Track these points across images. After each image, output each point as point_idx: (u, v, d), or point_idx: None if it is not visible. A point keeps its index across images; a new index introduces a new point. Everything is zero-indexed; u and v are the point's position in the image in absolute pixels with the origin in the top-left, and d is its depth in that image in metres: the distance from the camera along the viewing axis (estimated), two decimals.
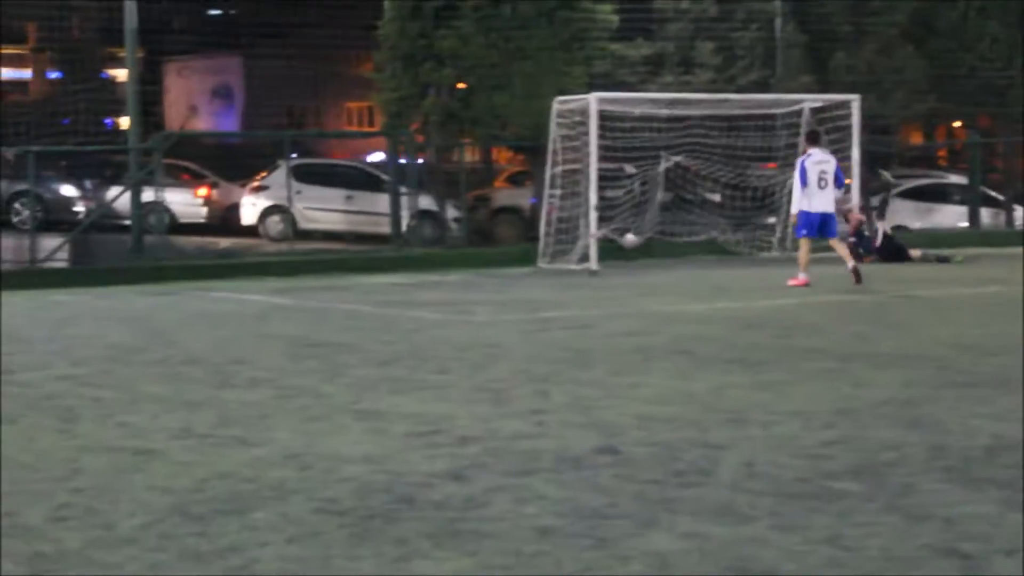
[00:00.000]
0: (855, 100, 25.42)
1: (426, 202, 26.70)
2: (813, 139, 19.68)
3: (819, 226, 18.60)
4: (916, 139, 42.42)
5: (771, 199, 25.61)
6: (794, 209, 18.97)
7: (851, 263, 18.51)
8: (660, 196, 25.33)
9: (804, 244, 18.74)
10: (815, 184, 18.42)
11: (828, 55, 28.94)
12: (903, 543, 5.63)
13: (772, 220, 26.00)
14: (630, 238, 24.41)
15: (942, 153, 43.12)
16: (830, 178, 18.57)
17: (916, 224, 30.31)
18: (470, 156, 29.49)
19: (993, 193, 32.33)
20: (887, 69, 28.98)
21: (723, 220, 25.63)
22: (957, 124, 39.82)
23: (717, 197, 26.61)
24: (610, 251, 23.61)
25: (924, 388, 9.55)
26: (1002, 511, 6.09)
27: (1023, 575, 5.24)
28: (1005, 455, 7.25)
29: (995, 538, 5.65)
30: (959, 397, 9.13)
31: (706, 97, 25.06)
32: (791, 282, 18.30)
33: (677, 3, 27.87)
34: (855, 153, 25.25)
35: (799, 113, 25.78)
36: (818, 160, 18.64)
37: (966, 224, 30.73)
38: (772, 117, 25.87)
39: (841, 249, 19.02)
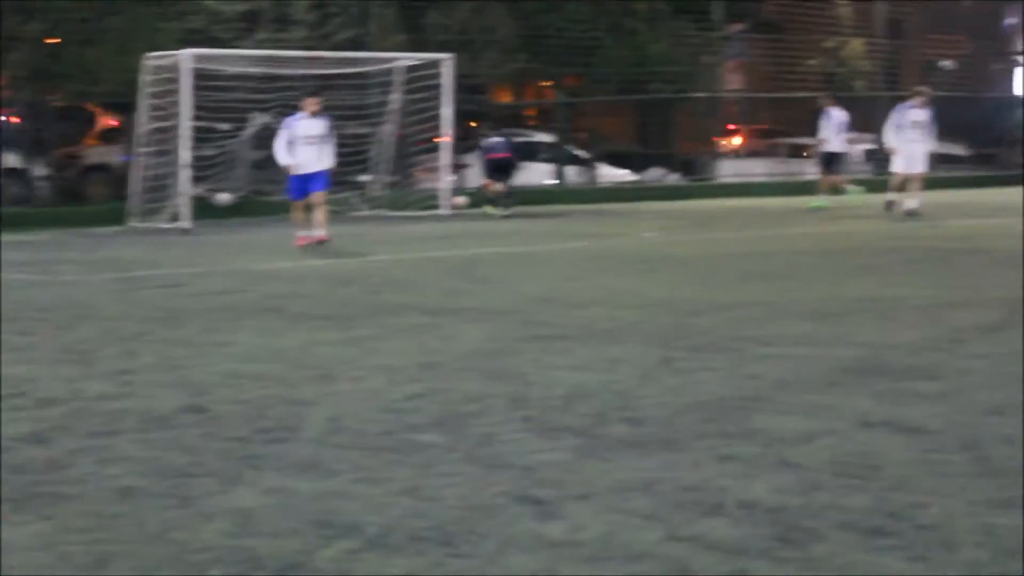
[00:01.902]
0: (447, 59, 25.85)
1: (11, 160, 25.63)
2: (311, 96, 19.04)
3: (302, 187, 18.39)
4: (506, 98, 43.39)
5: (363, 157, 25.78)
6: (288, 160, 18.43)
7: (318, 233, 18.16)
8: (252, 154, 25.13)
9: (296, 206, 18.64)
10: (300, 144, 18.12)
11: (421, 14, 29.26)
12: (481, 492, 5.78)
13: (364, 178, 26.21)
14: (223, 196, 24.15)
15: (531, 112, 44.26)
16: (322, 139, 18.23)
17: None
18: (59, 112, 28.45)
19: (579, 151, 33.47)
20: (479, 29, 29.51)
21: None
22: (545, 83, 41.00)
23: None
24: (203, 209, 23.29)
25: (509, 341, 9.83)
26: (576, 457, 6.35)
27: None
28: (581, 403, 7.55)
29: (568, 484, 5.88)
30: (542, 349, 9.43)
31: (299, 55, 24.95)
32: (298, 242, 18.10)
33: None
34: (447, 111, 25.71)
35: (392, 71, 26.05)
36: (305, 123, 18.30)
37: (554, 181, 31.71)
38: (365, 75, 26.05)
39: (320, 213, 18.36)
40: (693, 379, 8.28)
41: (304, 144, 18.07)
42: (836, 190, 27.24)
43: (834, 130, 27.17)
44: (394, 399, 7.76)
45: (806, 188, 32.62)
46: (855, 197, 27.09)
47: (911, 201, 23.26)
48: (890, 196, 23.96)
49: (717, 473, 6.01)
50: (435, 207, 25.64)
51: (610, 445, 6.58)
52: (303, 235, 18.11)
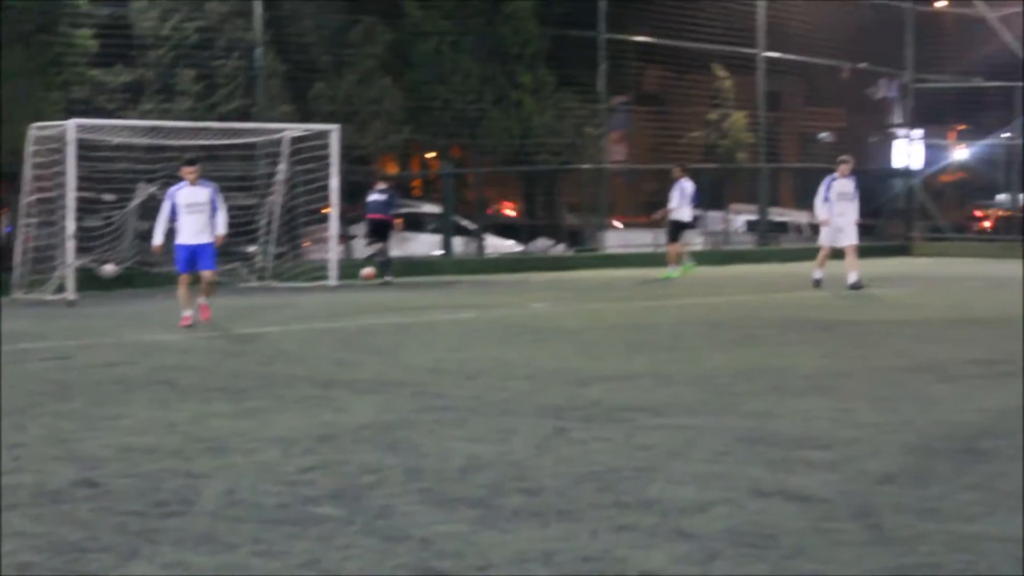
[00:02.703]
0: (334, 130, 25.91)
1: None
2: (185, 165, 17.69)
3: (189, 259, 17.11)
4: (392, 169, 43.52)
5: (250, 228, 25.67)
6: (157, 240, 17.44)
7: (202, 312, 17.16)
8: (138, 225, 24.91)
9: (182, 280, 17.19)
10: (183, 214, 17.02)
11: (308, 85, 29.29)
12: (380, 564, 5.80)
13: (253, 249, 26.11)
14: (108, 268, 23.90)
15: (416, 183, 44.42)
16: (207, 208, 17.11)
17: (394, 252, 31.13)
18: None
19: (465, 222, 33.63)
20: (365, 100, 29.60)
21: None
22: (430, 155, 41.20)
23: None
24: (88, 281, 23.04)
25: (402, 412, 9.84)
26: (475, 529, 6.38)
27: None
28: (477, 474, 7.59)
29: (468, 555, 5.92)
30: (436, 420, 9.46)
31: (186, 125, 24.85)
32: (181, 323, 16.82)
33: (157, 30, 27.44)
34: (334, 182, 25.74)
35: (280, 142, 26.05)
36: (186, 191, 17.13)
37: (441, 252, 31.80)
38: (253, 146, 26.01)
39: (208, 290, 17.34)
40: (587, 449, 8.35)
41: (188, 213, 17.03)
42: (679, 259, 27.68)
43: (684, 200, 27.52)
44: (290, 471, 7.74)
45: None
46: (687, 269, 27.49)
47: (852, 275, 22.65)
48: (816, 273, 23.42)
49: (615, 543, 6.07)
50: (323, 278, 25.59)
51: (507, 516, 6.62)
52: (188, 315, 16.83)
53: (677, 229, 27.90)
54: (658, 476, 7.50)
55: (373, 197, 26.68)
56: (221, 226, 17.29)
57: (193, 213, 17.08)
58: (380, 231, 26.62)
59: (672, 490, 7.12)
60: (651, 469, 7.70)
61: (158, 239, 17.39)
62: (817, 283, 23.17)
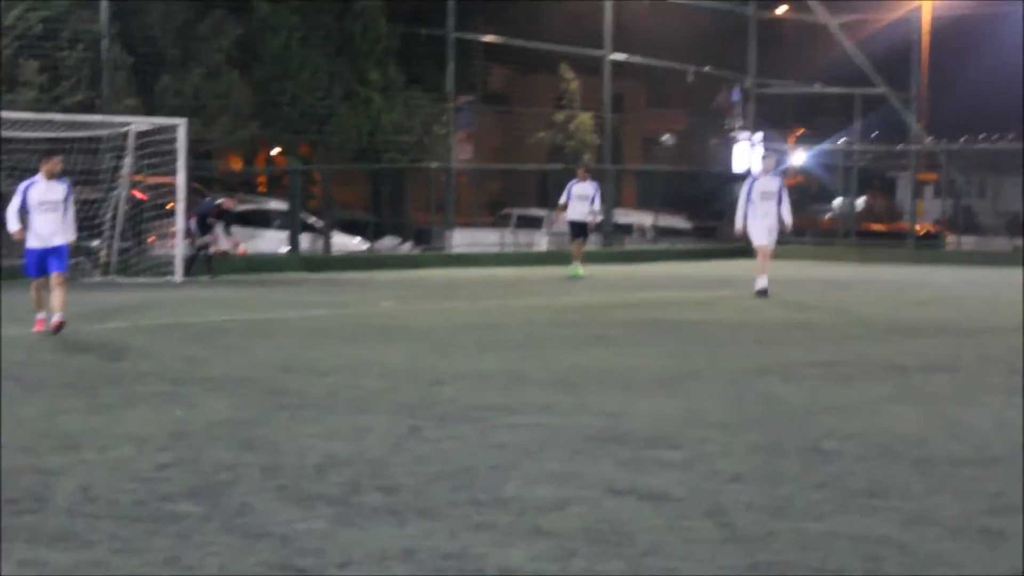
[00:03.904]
0: (181, 124, 25.63)
1: None
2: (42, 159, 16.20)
3: (40, 262, 15.63)
4: (237, 164, 43.16)
5: (95, 223, 25.26)
6: (14, 226, 15.83)
7: (56, 317, 15.24)
8: None
9: (35, 284, 15.82)
10: (36, 212, 15.58)
11: (155, 78, 28.90)
12: (240, 561, 5.80)
13: (95, 244, 25.69)
14: None
15: (262, 179, 44.10)
16: (61, 206, 15.68)
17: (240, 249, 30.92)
18: None
19: (312, 219, 33.48)
20: (213, 94, 29.30)
21: None
22: (276, 151, 40.91)
23: None
24: None
25: (256, 409, 9.81)
26: (333, 526, 6.41)
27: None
28: (334, 472, 7.60)
29: (328, 552, 5.94)
30: (290, 417, 9.45)
31: (29, 116, 24.35)
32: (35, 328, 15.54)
33: (1, 20, 26.87)
34: (180, 177, 25.46)
35: (125, 135, 25.68)
36: (41, 187, 15.68)
37: (287, 249, 31.62)
38: (98, 139, 25.60)
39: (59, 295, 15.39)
40: (442, 447, 8.41)
41: (41, 211, 15.50)
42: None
43: (578, 199, 27.79)
44: (145, 468, 7.68)
45: (537, 258, 33.39)
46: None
47: (761, 279, 21.65)
48: (760, 282, 21.67)
49: (473, 541, 6.14)
50: (168, 274, 25.30)
51: (366, 514, 6.66)
52: (41, 317, 15.50)
53: (578, 229, 28.19)
54: (514, 474, 7.59)
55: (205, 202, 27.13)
56: (71, 230, 15.94)
57: (47, 212, 15.57)
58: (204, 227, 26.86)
59: (528, 488, 7.21)
60: (507, 467, 7.78)
61: (13, 225, 15.68)
62: (762, 292, 21.49)
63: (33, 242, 15.64)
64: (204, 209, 27.31)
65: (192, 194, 27.87)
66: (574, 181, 28.23)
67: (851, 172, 41.29)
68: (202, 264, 26.64)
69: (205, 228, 26.98)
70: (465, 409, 9.85)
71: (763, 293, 21.37)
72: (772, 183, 22.02)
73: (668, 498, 7.01)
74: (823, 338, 15.54)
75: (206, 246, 26.85)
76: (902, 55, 40.37)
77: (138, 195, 26.77)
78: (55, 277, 15.42)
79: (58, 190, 15.77)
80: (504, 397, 10.52)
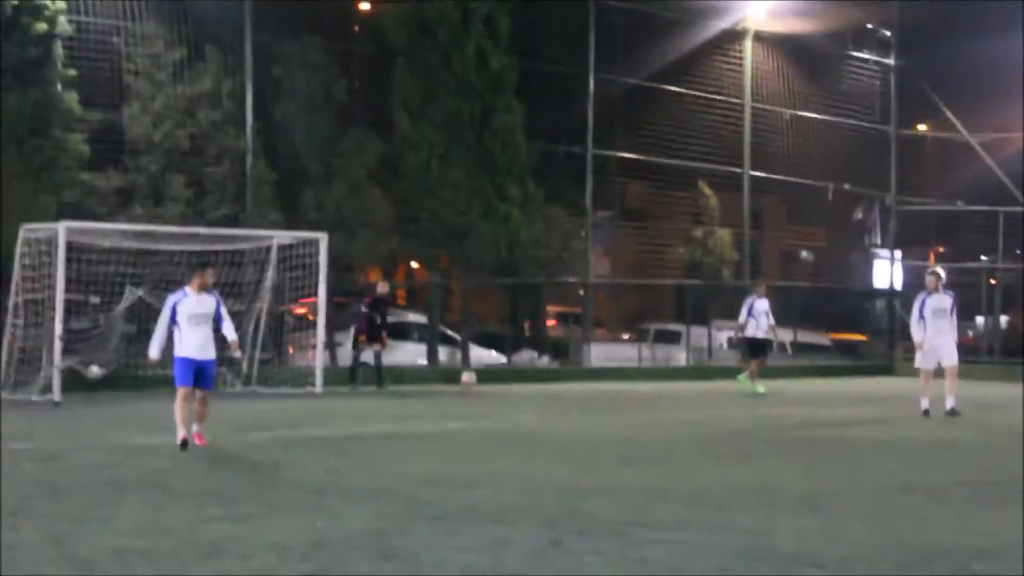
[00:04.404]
0: (323, 238, 26.02)
1: None
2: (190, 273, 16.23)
3: (193, 373, 15.21)
4: (376, 277, 43.64)
5: (238, 333, 25.57)
6: (154, 353, 15.70)
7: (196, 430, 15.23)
8: (125, 328, 24.91)
9: (183, 394, 15.17)
10: (187, 326, 15.29)
11: (298, 193, 29.43)
12: None
13: (238, 355, 26.02)
14: (95, 369, 23.83)
15: (402, 292, 44.53)
16: (211, 319, 15.53)
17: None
18: None
19: (450, 332, 33.66)
20: (355, 209, 29.72)
21: None
22: (416, 264, 41.32)
23: None
24: (74, 382, 22.98)
25: (396, 521, 9.81)
26: None
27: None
28: None
29: None
30: (430, 529, 9.43)
31: (175, 230, 24.91)
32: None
33: (149, 135, 27.63)
34: (321, 289, 25.80)
35: (268, 249, 26.13)
36: (192, 300, 15.44)
37: (425, 361, 31.77)
38: (241, 252, 26.07)
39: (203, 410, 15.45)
40: (582, 562, 8.33)
41: (191, 325, 15.21)
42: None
43: (754, 316, 27.59)
44: None
45: (675, 373, 33.21)
46: (743, 383, 27.46)
47: (949, 399, 20.86)
48: (924, 403, 20.91)
49: None
50: (309, 384, 25.55)
51: None
52: (184, 435, 14.84)
53: (756, 346, 27.90)
54: None
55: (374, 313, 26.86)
56: (231, 333, 15.90)
57: (198, 325, 15.29)
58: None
59: None
60: None
61: (155, 352, 15.53)
62: (927, 413, 20.73)
63: (187, 352, 15.18)
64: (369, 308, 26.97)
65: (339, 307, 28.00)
66: (753, 297, 27.95)
67: (994, 290, 40.56)
68: (370, 371, 26.78)
69: (373, 329, 26.88)
70: (606, 523, 9.77)
71: (953, 412, 20.64)
72: (944, 300, 21.25)
73: None
74: (970, 457, 15.19)
75: (378, 354, 26.90)
76: None
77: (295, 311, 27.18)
78: (202, 394, 15.25)
79: (208, 303, 15.47)
80: (645, 512, 10.42)
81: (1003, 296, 40.82)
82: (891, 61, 41.01)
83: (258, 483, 12.04)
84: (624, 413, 21.75)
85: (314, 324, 26.53)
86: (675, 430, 18.39)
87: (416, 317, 34.74)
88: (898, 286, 41.80)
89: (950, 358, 21.01)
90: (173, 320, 15.25)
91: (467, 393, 25.51)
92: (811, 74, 40.02)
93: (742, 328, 27.93)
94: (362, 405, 22.52)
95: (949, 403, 20.82)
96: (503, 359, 34.23)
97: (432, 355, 31.89)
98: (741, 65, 37.97)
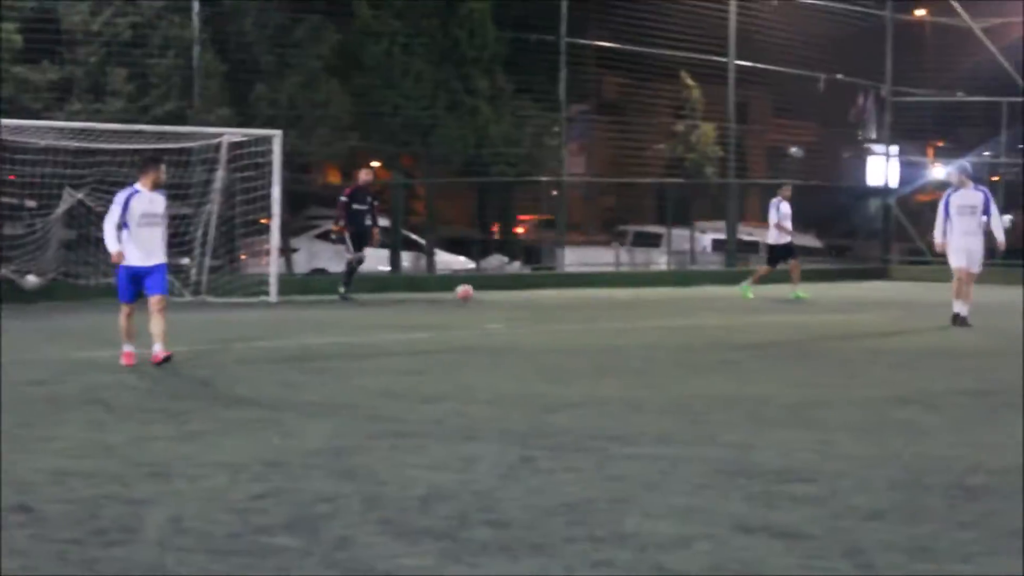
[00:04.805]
0: (276, 135, 25.86)
1: None
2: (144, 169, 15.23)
3: (134, 283, 14.76)
4: (336, 178, 43.44)
5: (185, 239, 25.54)
6: (115, 246, 14.65)
7: (158, 348, 14.53)
8: (64, 234, 24.79)
9: (125, 310, 14.78)
10: (135, 227, 14.66)
11: (248, 87, 29.19)
12: None
13: (185, 261, 26.00)
14: (31, 279, 23.76)
15: None
16: (161, 220, 15.00)
17: (337, 267, 31.15)
18: None
19: (414, 236, 33.61)
20: (310, 104, 29.51)
21: None
22: (376, 164, 41.15)
23: None
24: (9, 293, 22.90)
25: (356, 437, 9.83)
26: (440, 562, 6.39)
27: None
28: (440, 505, 7.59)
29: None
30: (393, 447, 9.46)
31: (117, 127, 24.71)
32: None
33: (88, 25, 27.27)
34: (275, 191, 25.67)
35: (217, 147, 25.96)
36: (144, 197, 14.82)
37: (387, 268, 31.76)
38: (188, 151, 25.91)
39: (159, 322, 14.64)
40: (556, 480, 8.37)
41: (142, 226, 14.62)
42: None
43: (786, 222, 27.66)
44: (239, 499, 7.72)
45: (655, 278, 33.31)
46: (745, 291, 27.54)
47: (962, 306, 20.63)
48: (958, 306, 20.68)
49: None
50: (263, 293, 25.50)
51: (475, 550, 6.63)
52: (129, 350, 14.65)
53: (784, 250, 28.22)
54: (634, 509, 7.52)
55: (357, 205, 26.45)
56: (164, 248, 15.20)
57: (148, 226, 14.73)
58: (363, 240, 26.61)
59: (650, 524, 7.15)
60: (626, 501, 7.72)
61: (115, 245, 14.56)
62: (960, 320, 20.58)
63: (130, 260, 14.64)
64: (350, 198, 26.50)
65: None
66: (778, 199, 27.98)
67: (998, 187, 40.68)
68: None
69: (358, 219, 26.46)
70: (580, 439, 9.80)
71: (962, 321, 20.48)
72: (974, 196, 20.80)
73: (802, 536, 6.90)
74: (968, 366, 15.29)
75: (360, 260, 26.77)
76: None
77: None
78: (156, 301, 14.64)
79: (159, 203, 14.99)
80: (621, 426, 10.46)
81: (1005, 194, 40.94)
82: None
83: (208, 399, 12.03)
84: (600, 321, 21.81)
85: (267, 229, 26.43)
86: (654, 339, 18.46)
87: (378, 220, 34.60)
88: (893, 184, 41.89)
89: (965, 261, 20.63)
90: (123, 220, 14.65)
91: (466, 303, 25.21)
92: None
93: (784, 229, 27.80)
94: (320, 315, 22.51)
95: (957, 308, 20.63)
96: (471, 264, 34.27)
97: (395, 261, 31.86)
98: None
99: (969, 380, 13.78)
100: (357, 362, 15.25)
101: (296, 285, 27.59)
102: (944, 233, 20.83)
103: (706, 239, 39.34)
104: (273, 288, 25.69)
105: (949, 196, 20.92)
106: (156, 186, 15.08)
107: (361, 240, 26.57)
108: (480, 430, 10.22)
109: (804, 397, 12.28)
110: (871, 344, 17.94)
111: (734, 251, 37.56)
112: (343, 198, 26.48)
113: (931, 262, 39.99)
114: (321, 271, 30.93)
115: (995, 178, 40.33)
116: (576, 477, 8.43)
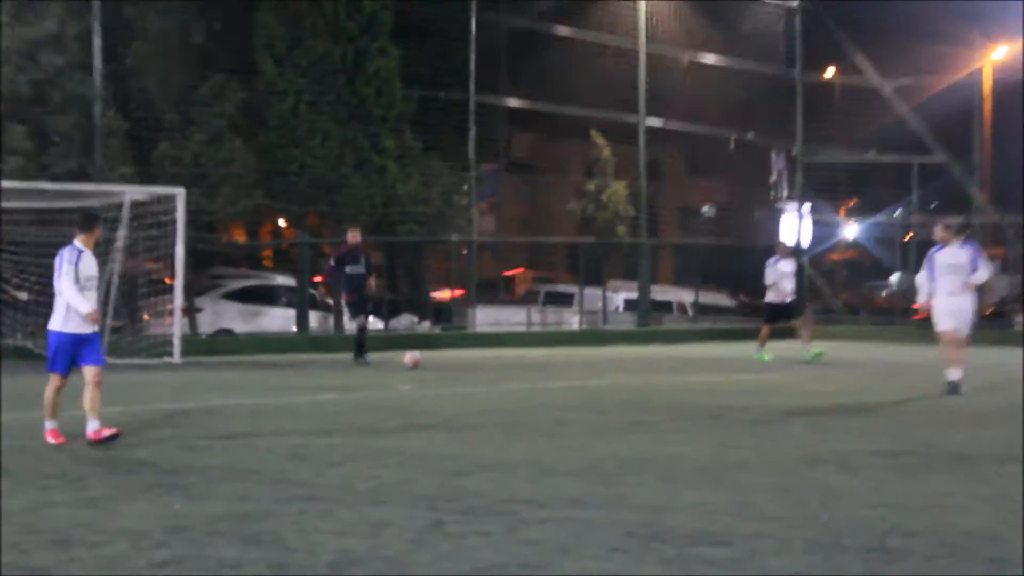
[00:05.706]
0: (180, 193, 25.70)
1: None
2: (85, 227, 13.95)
3: (71, 352, 13.53)
4: (241, 237, 43.25)
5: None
6: (88, 307, 13.38)
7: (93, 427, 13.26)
8: None
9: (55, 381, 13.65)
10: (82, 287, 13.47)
11: (152, 145, 29.04)
12: None
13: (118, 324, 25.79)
14: None
15: (268, 253, 44.16)
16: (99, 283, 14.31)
17: (243, 327, 30.99)
18: None
19: (321, 296, 33.43)
20: (215, 162, 29.39)
21: (32, 322, 24.88)
22: (283, 223, 41.00)
23: (24, 296, 25.98)
24: None
25: (262, 502, 9.73)
26: None
27: None
28: (350, 571, 7.54)
29: None
30: (300, 511, 9.37)
31: (17, 185, 24.45)
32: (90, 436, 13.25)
33: None
34: (179, 249, 25.48)
35: (120, 205, 25.74)
36: (89, 258, 13.71)
37: (294, 328, 31.58)
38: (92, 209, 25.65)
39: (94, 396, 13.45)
40: (467, 544, 8.32)
41: (85, 288, 13.48)
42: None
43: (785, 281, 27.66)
44: (141, 567, 7.64)
45: (568, 338, 33.37)
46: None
47: (954, 372, 19.45)
48: (951, 374, 19.41)
49: None
50: (167, 354, 25.28)
51: None
52: (53, 428, 13.51)
53: (776, 312, 28.08)
54: (546, 574, 7.48)
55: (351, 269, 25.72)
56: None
57: (90, 289, 13.63)
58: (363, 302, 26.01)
59: None
60: (538, 566, 7.69)
61: (86, 305, 13.33)
62: (953, 387, 19.30)
63: (72, 325, 13.47)
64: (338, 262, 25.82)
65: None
66: (776, 258, 28.03)
67: (909, 246, 41.17)
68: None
69: (352, 284, 25.79)
70: (491, 502, 9.77)
71: (954, 389, 19.25)
72: (958, 254, 19.54)
73: None
74: (882, 426, 15.41)
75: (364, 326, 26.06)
76: (962, 121, 40.38)
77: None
78: (96, 373, 13.50)
79: (95, 264, 13.82)
80: (533, 489, 10.43)
81: (918, 253, 41.37)
82: (795, 1, 41.27)
83: (108, 464, 11.87)
84: (511, 382, 21.81)
85: (171, 288, 26.22)
86: (566, 399, 18.45)
87: (284, 280, 34.50)
88: (806, 243, 42.25)
89: (961, 324, 19.51)
90: (77, 282, 13.40)
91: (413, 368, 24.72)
92: (710, 15, 40.15)
93: (780, 291, 27.86)
94: (225, 377, 22.36)
95: (950, 375, 19.43)
96: (380, 325, 34.16)
97: (302, 321, 31.70)
98: (635, 5, 37.91)
99: (883, 440, 13.86)
100: (263, 424, 15.11)
101: (201, 346, 27.39)
102: (928, 294, 19.77)
103: (619, 298, 39.50)
104: (177, 349, 25.47)
105: (934, 255, 19.75)
106: (97, 245, 14.32)
107: (360, 305, 26.01)
108: (389, 494, 10.16)
109: (718, 458, 12.31)
110: (783, 403, 18.01)
111: (647, 311, 37.69)
112: (331, 262, 26.08)
113: (844, 320, 40.48)
114: (227, 331, 30.72)
115: (907, 237, 40.82)
116: (487, 541, 8.38)
